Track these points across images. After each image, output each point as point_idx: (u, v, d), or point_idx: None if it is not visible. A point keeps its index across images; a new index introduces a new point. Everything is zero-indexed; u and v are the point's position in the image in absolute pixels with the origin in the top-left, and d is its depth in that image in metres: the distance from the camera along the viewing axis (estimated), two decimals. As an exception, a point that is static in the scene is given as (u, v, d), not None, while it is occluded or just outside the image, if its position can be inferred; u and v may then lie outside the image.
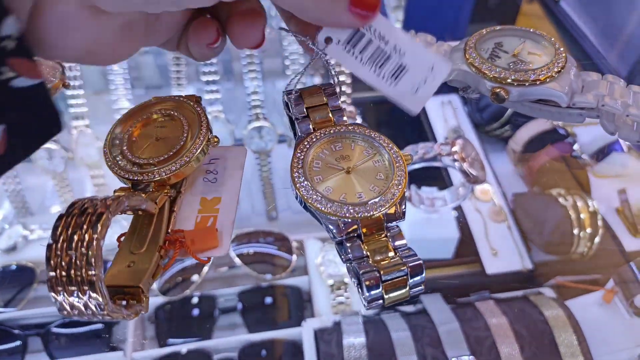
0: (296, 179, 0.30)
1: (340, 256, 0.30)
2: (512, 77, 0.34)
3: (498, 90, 0.34)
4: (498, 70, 0.34)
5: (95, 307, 0.24)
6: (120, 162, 0.31)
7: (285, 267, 0.81)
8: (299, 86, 0.34)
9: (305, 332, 0.67)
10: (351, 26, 0.28)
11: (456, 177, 0.76)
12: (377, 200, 0.29)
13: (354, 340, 0.64)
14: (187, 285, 0.76)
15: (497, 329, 0.64)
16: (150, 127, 0.33)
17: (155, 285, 0.74)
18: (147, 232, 0.30)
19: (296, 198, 0.30)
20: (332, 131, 0.32)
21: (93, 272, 0.24)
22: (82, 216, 0.24)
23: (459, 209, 0.77)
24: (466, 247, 0.75)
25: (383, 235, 0.29)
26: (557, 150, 0.85)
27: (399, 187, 0.29)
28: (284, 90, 0.33)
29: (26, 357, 0.71)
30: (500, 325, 0.65)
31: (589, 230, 0.74)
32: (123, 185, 0.32)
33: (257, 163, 0.86)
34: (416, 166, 0.65)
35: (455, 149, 0.65)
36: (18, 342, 0.71)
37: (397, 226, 0.29)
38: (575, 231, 0.74)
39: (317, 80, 0.94)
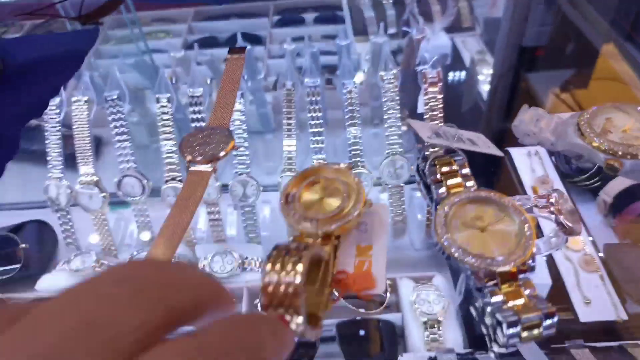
0: (440, 233, 0.37)
1: (475, 298, 0.36)
2: (624, 151, 0.39)
3: (612, 162, 0.39)
4: (611, 145, 0.40)
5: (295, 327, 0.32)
6: (297, 217, 0.39)
7: (380, 303, 0.86)
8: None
9: (403, 366, 0.72)
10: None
11: (547, 227, 0.80)
12: (510, 256, 0.35)
13: (451, 376, 0.68)
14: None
15: (594, 377, 0.66)
16: (315, 188, 0.41)
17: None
18: (317, 274, 0.37)
19: (436, 247, 0.37)
20: (470, 195, 0.38)
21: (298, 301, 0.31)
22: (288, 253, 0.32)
23: (550, 257, 0.80)
24: (559, 294, 0.77)
25: (515, 284, 0.35)
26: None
27: (529, 246, 0.35)
28: (419, 156, 0.41)
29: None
30: (598, 373, 0.66)
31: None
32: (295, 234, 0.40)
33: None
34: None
35: (551, 200, 0.69)
36: None
37: (528, 277, 0.35)
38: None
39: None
